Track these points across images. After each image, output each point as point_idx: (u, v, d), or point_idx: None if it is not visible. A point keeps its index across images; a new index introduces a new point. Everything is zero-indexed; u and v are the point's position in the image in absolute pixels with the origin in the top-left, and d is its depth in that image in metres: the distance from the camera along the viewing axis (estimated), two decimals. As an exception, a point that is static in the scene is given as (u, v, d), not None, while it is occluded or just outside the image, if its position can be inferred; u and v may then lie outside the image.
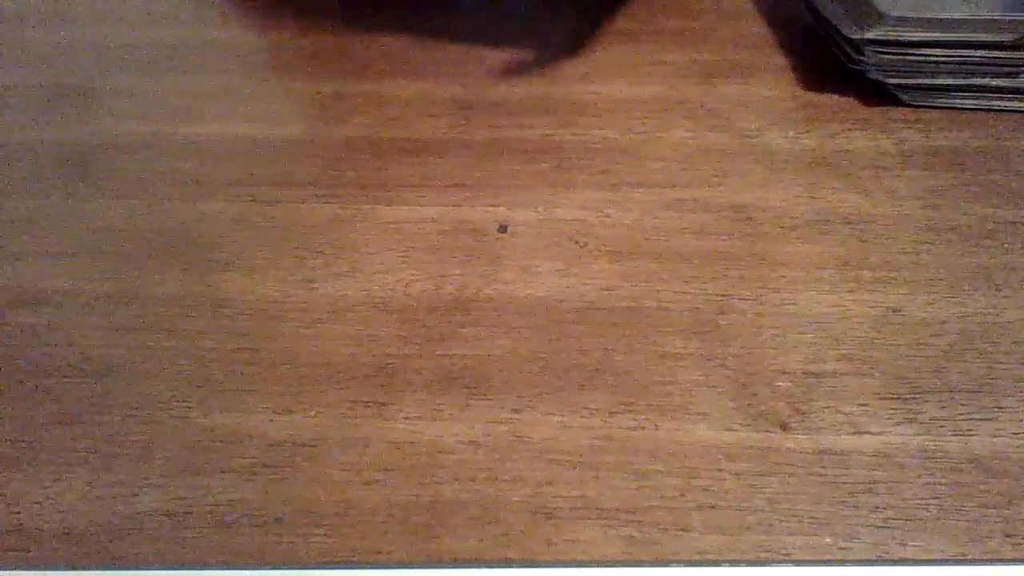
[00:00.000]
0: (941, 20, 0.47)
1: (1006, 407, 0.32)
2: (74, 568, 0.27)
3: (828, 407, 0.32)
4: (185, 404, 0.32)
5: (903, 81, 0.48)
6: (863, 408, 0.32)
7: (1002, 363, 0.33)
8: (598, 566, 0.27)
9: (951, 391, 0.32)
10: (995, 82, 0.47)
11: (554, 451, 0.31)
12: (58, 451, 0.31)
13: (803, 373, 0.33)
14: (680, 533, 0.28)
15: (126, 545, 0.28)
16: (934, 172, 0.43)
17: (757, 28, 0.56)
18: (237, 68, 0.53)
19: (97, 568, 0.27)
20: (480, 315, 0.36)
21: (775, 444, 0.31)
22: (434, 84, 0.51)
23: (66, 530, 0.28)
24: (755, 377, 0.33)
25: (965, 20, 0.47)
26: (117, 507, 0.29)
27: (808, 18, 0.55)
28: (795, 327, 0.35)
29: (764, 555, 0.27)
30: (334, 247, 0.39)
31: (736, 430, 0.31)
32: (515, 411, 0.32)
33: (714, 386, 0.33)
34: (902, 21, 0.47)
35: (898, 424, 0.31)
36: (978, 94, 0.48)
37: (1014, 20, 0.46)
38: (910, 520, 0.28)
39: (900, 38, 0.47)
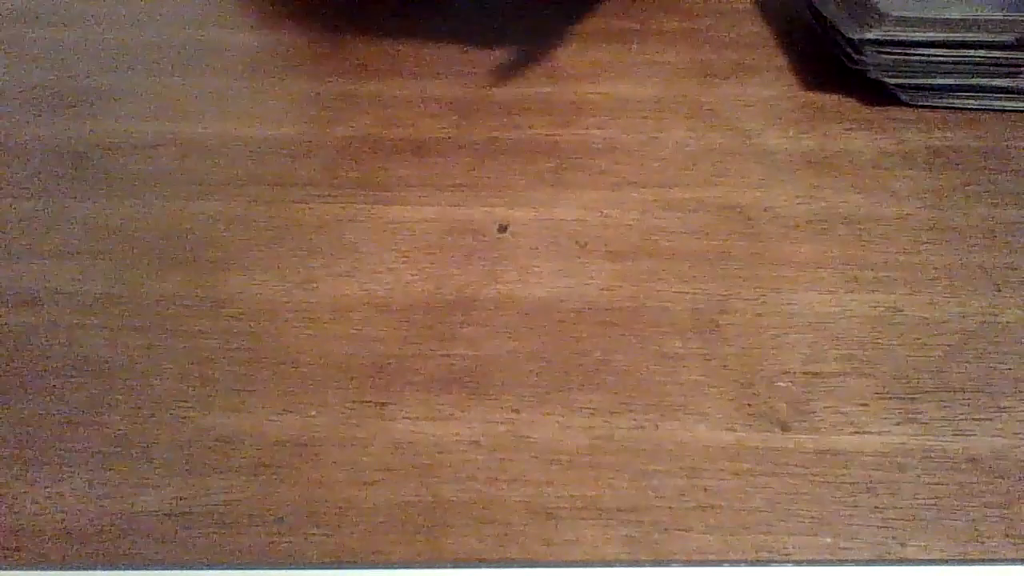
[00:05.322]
0: (941, 20, 0.47)
1: (1006, 407, 0.32)
2: (74, 568, 0.27)
3: (828, 407, 0.32)
4: (185, 404, 0.32)
5: (903, 81, 0.48)
6: (863, 408, 0.32)
7: (1002, 363, 0.33)
8: (598, 566, 0.27)
9: (951, 391, 0.32)
10: (995, 82, 0.47)
11: (554, 451, 0.31)
12: (58, 451, 0.31)
13: (803, 373, 0.33)
14: (680, 533, 0.28)
15: (126, 545, 0.28)
16: (934, 172, 0.43)
17: (757, 28, 0.56)
18: (237, 68, 0.53)
19: (97, 568, 0.27)
20: (480, 315, 0.36)
21: (775, 444, 0.31)
22: (434, 84, 0.51)
23: (66, 530, 0.28)
24: (755, 377, 0.33)
25: (965, 20, 0.46)
26: (117, 507, 0.29)
27: (808, 18, 0.55)
28: (795, 327, 0.35)
29: (764, 555, 0.27)
30: (334, 247, 0.39)
31: (736, 430, 0.31)
32: (515, 411, 0.32)
33: (714, 386, 0.33)
34: (902, 21, 0.47)
35: (898, 424, 0.31)
36: (978, 94, 0.48)
37: (1014, 20, 0.46)
38: (910, 520, 0.28)
39: (900, 38, 0.47)
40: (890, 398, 0.32)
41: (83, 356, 0.34)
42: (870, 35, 0.47)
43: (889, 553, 0.27)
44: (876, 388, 0.33)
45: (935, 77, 0.47)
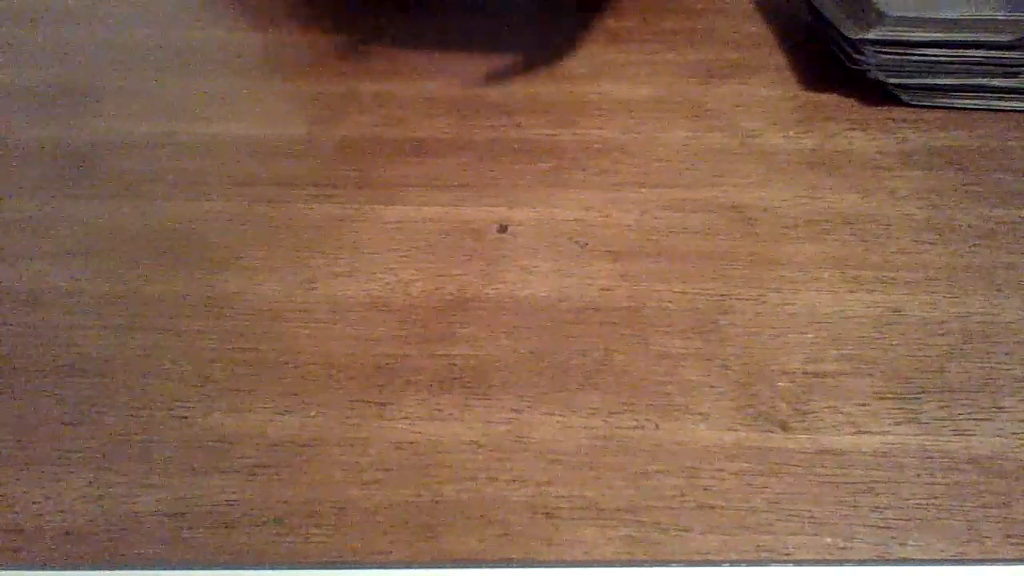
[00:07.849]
0: (941, 20, 0.47)
1: (1006, 407, 0.32)
2: (74, 568, 0.27)
3: (828, 407, 0.32)
4: (185, 404, 0.32)
5: (903, 81, 0.48)
6: (863, 408, 0.32)
7: (1002, 363, 0.33)
8: (598, 566, 0.27)
9: (951, 391, 0.32)
10: (995, 82, 0.47)
11: (554, 451, 0.31)
12: (58, 451, 0.31)
13: (803, 373, 0.33)
14: (680, 533, 0.28)
15: (126, 545, 0.28)
16: (934, 172, 0.43)
17: (757, 28, 0.56)
18: (237, 68, 0.53)
19: (97, 568, 0.27)
20: (480, 315, 0.36)
21: (775, 444, 0.31)
22: (434, 84, 0.51)
23: (66, 530, 0.28)
24: (755, 377, 0.33)
25: (965, 20, 0.46)
26: (117, 507, 0.29)
27: (808, 18, 0.55)
28: (795, 327, 0.35)
29: (764, 555, 0.27)
30: (334, 247, 0.39)
31: (736, 430, 0.31)
32: (515, 411, 0.32)
33: (714, 386, 0.33)
34: (902, 21, 0.47)
35: (898, 424, 0.31)
36: (978, 94, 0.48)
37: (1014, 20, 0.46)
38: (910, 520, 0.28)
39: (900, 38, 0.47)
40: (890, 398, 0.32)
41: (83, 356, 0.34)
42: (870, 35, 0.47)
43: (889, 553, 0.27)
44: (876, 388, 0.33)
45: (935, 77, 0.47)
